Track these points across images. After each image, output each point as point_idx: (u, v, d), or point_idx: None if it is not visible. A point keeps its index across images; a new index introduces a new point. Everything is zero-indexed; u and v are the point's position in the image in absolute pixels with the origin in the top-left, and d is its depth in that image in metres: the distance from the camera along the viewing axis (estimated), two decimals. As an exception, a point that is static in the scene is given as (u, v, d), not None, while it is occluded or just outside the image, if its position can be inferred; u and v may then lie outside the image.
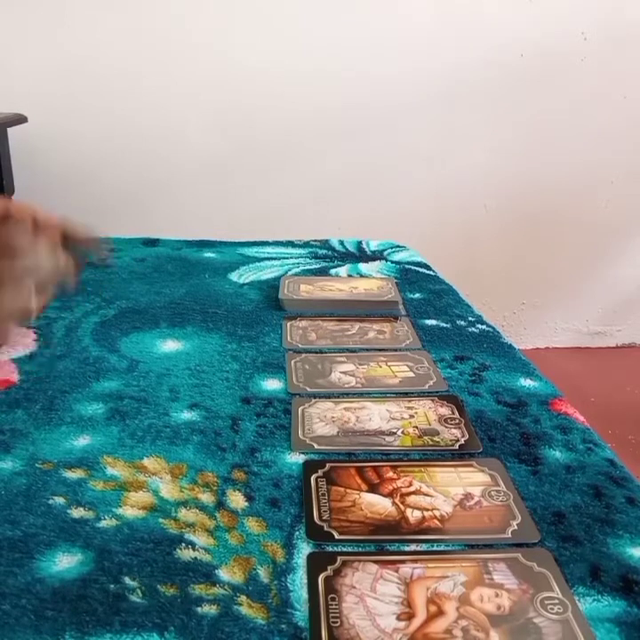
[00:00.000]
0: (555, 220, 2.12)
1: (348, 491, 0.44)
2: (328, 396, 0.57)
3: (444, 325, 0.73)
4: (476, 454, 0.49)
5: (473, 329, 0.72)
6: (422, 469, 0.47)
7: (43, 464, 0.46)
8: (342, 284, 0.82)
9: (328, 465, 0.47)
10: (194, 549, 0.39)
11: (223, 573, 0.37)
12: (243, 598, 0.36)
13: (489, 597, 0.35)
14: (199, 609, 0.35)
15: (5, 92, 1.78)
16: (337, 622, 0.34)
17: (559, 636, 0.33)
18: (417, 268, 0.93)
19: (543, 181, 2.06)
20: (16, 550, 0.38)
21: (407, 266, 0.94)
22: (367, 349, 0.66)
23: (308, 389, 0.58)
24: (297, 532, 0.41)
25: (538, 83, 1.95)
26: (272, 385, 0.59)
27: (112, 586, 0.36)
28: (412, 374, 0.61)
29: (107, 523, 0.41)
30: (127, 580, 0.36)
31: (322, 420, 0.53)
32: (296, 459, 0.48)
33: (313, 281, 0.84)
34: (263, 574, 0.37)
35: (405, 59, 1.90)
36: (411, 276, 0.89)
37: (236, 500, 0.43)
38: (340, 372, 0.61)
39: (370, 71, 1.90)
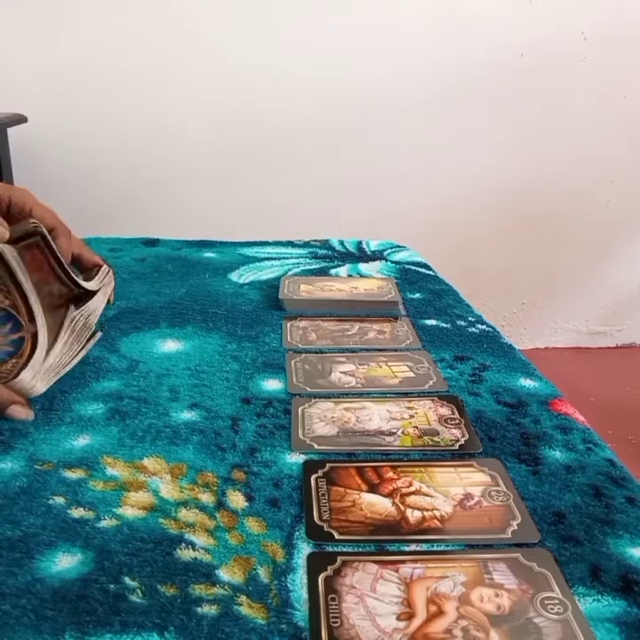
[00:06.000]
0: (555, 220, 2.12)
1: (348, 491, 0.44)
2: (328, 396, 0.57)
3: (444, 325, 0.73)
4: (476, 454, 0.49)
5: (473, 329, 0.72)
6: (422, 469, 0.47)
7: (42, 464, 0.46)
8: (342, 284, 0.82)
9: (328, 465, 0.47)
10: (194, 549, 0.39)
11: (223, 573, 0.37)
12: (243, 598, 0.36)
13: (489, 597, 0.35)
14: (199, 609, 0.35)
15: (5, 92, 1.78)
16: (337, 622, 0.34)
17: (559, 635, 0.33)
18: (417, 268, 0.93)
19: (543, 181, 2.06)
20: (16, 550, 0.38)
21: (407, 266, 0.94)
22: (367, 349, 0.66)
23: (308, 389, 0.58)
24: (297, 532, 0.41)
25: (538, 83, 1.95)
26: (272, 385, 0.59)
27: (112, 586, 0.36)
28: (412, 374, 0.61)
29: (107, 523, 0.41)
30: (127, 579, 0.36)
31: (322, 420, 0.53)
32: (296, 459, 0.48)
33: (313, 281, 0.83)
34: (263, 574, 0.37)
35: (405, 59, 1.90)
36: (411, 276, 0.89)
37: (236, 500, 0.43)
38: (340, 372, 0.61)
39: (370, 71, 1.90)
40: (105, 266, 0.68)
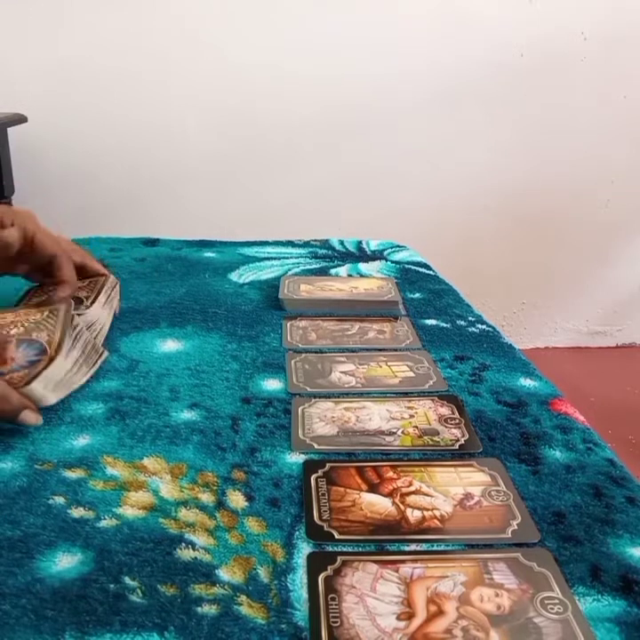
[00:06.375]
0: (555, 220, 2.12)
1: (348, 491, 0.44)
2: (328, 396, 0.57)
3: (444, 325, 0.73)
4: (476, 454, 0.49)
5: (473, 329, 0.72)
6: (422, 469, 0.47)
7: (42, 464, 0.46)
8: (342, 284, 0.82)
9: (328, 465, 0.47)
10: (194, 549, 0.39)
11: (223, 573, 0.37)
12: (243, 598, 0.36)
13: (489, 597, 0.35)
14: (199, 609, 0.35)
15: (5, 92, 1.78)
16: (337, 622, 0.34)
17: (559, 635, 0.33)
18: (417, 268, 0.93)
19: (543, 181, 2.06)
20: (16, 550, 0.38)
21: (407, 266, 0.94)
22: (367, 349, 0.66)
23: (308, 389, 0.58)
24: (297, 532, 0.41)
25: (538, 83, 1.95)
26: (272, 385, 0.59)
27: (112, 586, 0.36)
28: (412, 374, 0.61)
29: (107, 523, 0.41)
30: (127, 579, 0.36)
31: (322, 420, 0.53)
32: (296, 459, 0.48)
33: (313, 281, 0.84)
34: (263, 574, 0.37)
35: (405, 59, 1.90)
36: (411, 276, 0.90)
37: (236, 499, 0.43)
38: (340, 372, 0.61)
39: (370, 71, 1.90)
40: (112, 277, 0.69)
